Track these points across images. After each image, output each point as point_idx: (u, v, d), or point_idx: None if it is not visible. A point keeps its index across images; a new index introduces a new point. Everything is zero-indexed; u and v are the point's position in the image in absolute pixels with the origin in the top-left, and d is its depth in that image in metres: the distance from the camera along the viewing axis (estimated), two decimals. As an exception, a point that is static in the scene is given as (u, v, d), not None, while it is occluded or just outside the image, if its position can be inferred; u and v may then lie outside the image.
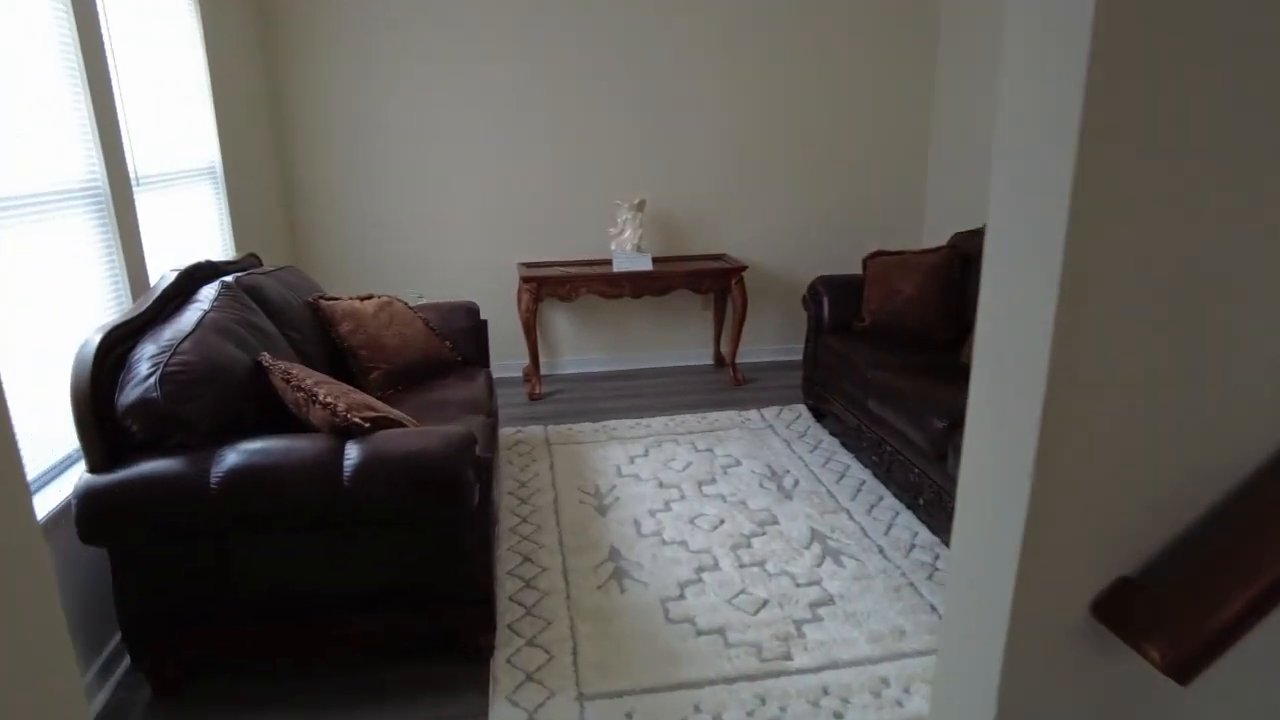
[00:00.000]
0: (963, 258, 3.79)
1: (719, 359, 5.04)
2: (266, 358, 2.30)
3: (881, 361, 3.44)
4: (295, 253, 4.52)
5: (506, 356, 4.85)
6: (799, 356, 5.12)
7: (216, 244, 3.50)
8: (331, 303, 3.11)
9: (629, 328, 4.98)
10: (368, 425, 2.09)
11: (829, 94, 4.78)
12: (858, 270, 4.98)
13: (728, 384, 4.70)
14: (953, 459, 2.79)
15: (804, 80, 4.73)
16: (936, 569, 2.79)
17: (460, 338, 3.46)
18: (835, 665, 2.30)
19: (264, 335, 2.51)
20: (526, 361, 4.80)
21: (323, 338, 3.03)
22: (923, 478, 3.04)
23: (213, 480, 1.93)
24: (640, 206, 4.47)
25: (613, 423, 4.04)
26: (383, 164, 4.48)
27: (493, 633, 2.35)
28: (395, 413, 2.31)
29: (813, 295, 4.04)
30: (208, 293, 2.51)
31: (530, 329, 4.37)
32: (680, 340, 5.06)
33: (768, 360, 5.17)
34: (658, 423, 4.02)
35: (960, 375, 3.29)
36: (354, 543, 2.10)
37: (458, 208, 4.61)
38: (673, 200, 4.79)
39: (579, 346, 4.96)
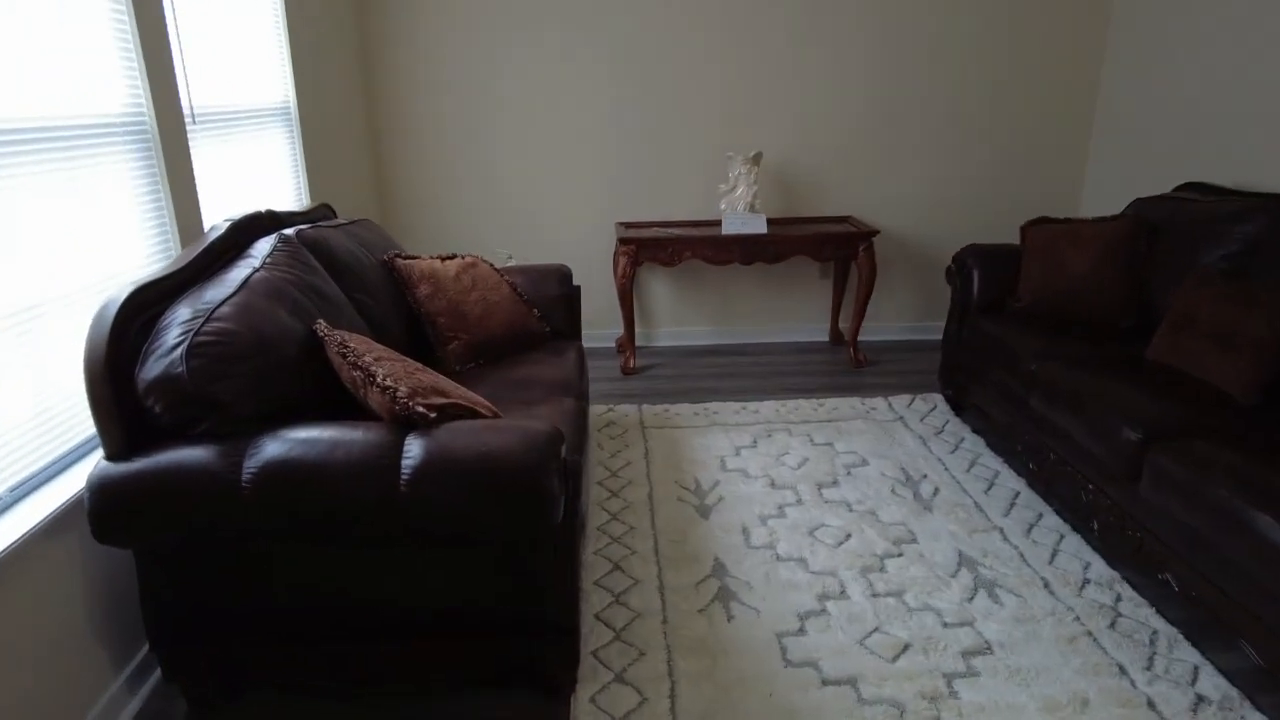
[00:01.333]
0: (1150, 229, 3.13)
1: (836, 336, 4.50)
2: (323, 326, 1.94)
3: (1049, 351, 2.85)
4: (379, 206, 4.21)
5: (600, 326, 4.45)
6: (929, 337, 4.56)
7: (289, 193, 3.19)
8: (409, 262, 2.75)
9: (736, 298, 4.48)
10: (434, 415, 1.70)
11: (979, 32, 4.10)
12: (1010, 239, 4.37)
13: (847, 365, 4.16)
14: (1148, 481, 2.22)
15: (956, 26, 4.06)
16: (1119, 614, 2.24)
17: (550, 306, 3.06)
18: (1004, 744, 1.81)
19: (325, 299, 2.16)
20: (621, 331, 4.38)
21: (398, 302, 2.67)
22: (1099, 497, 2.47)
23: (245, 477, 1.58)
24: (756, 160, 3.94)
25: (715, 405, 3.58)
26: (474, 114, 4.08)
27: (575, 666, 1.96)
28: (470, 396, 1.92)
29: (960, 267, 3.44)
30: (262, 247, 2.17)
31: (626, 296, 3.94)
32: (793, 313, 4.54)
33: (893, 339, 4.59)
34: (767, 408, 3.54)
35: (1152, 374, 2.64)
36: (414, 556, 1.73)
37: (553, 162, 4.18)
38: (794, 154, 4.24)
39: (679, 317, 4.50)
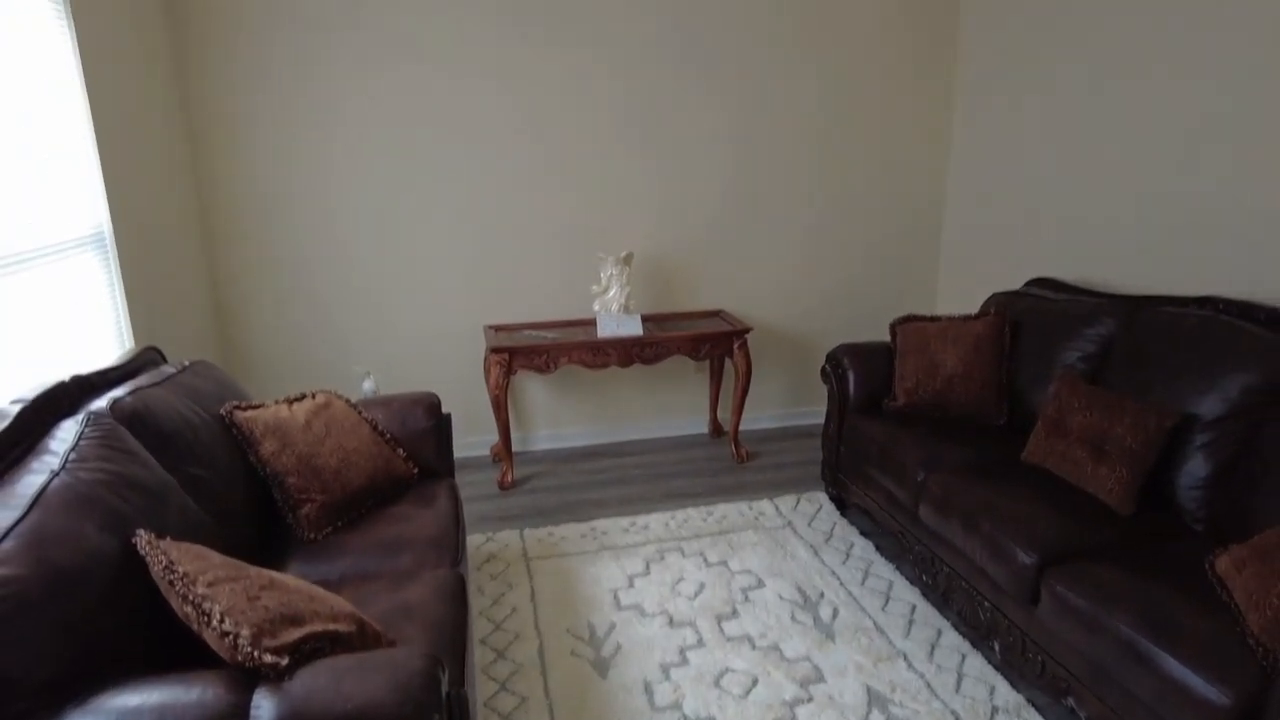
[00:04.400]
0: (1012, 325, 3.24)
1: (716, 427, 4.43)
2: (144, 539, 1.62)
3: (933, 458, 2.86)
4: (218, 334, 3.79)
5: (473, 432, 4.18)
6: (805, 423, 4.58)
7: (107, 336, 2.78)
8: (251, 414, 2.42)
9: (614, 396, 4.34)
10: (285, 663, 1.42)
11: (837, 137, 4.22)
12: (874, 329, 4.48)
13: (729, 461, 4.09)
14: (1047, 606, 2.22)
15: (811, 122, 4.16)
16: (1031, 745, 2.20)
17: (418, 441, 2.79)
18: None
19: (147, 493, 1.82)
20: (495, 439, 4.14)
21: (240, 463, 2.34)
22: (997, 616, 2.46)
23: (37, 781, 1.25)
24: (627, 260, 3.85)
25: (603, 523, 3.39)
26: (321, 221, 3.78)
27: None
28: (330, 607, 1.64)
29: (834, 367, 3.45)
30: (66, 435, 1.82)
31: (501, 406, 3.71)
32: (671, 407, 4.44)
33: (771, 427, 4.58)
34: (656, 523, 3.39)
35: (1035, 483, 2.60)
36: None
37: (414, 265, 3.93)
38: (663, 250, 4.18)
39: (556, 418, 4.30)
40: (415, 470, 2.72)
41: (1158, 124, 3.09)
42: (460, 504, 2.67)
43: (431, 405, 2.86)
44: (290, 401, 2.57)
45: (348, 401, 2.72)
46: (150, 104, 3.21)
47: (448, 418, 2.91)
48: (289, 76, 3.58)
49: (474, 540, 3.29)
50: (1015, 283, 3.89)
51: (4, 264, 2.23)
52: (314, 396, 2.66)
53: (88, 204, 2.71)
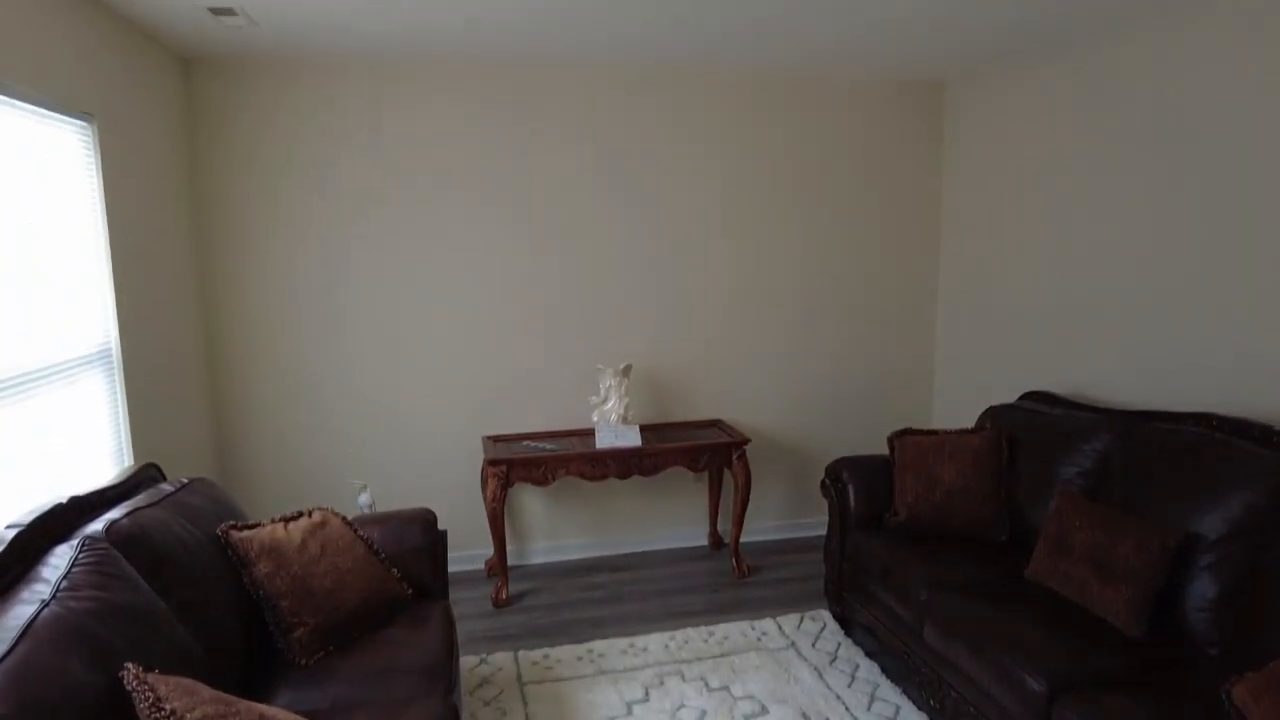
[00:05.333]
0: (1009, 440, 3.25)
1: (716, 540, 4.38)
2: (132, 673, 1.57)
3: (937, 577, 2.82)
4: (216, 449, 3.80)
5: (467, 546, 4.12)
6: (806, 535, 4.53)
7: (106, 453, 2.78)
8: (247, 534, 2.40)
9: (612, 508, 4.30)
10: (270, 811, 1.37)
11: (832, 253, 4.35)
12: (872, 440, 4.49)
13: (730, 576, 4.01)
14: (1061, 736, 2.14)
15: (806, 240, 4.30)
16: None
17: (412, 559, 2.76)
18: None
19: (138, 621, 1.78)
20: (491, 553, 4.08)
21: (233, 585, 2.30)
22: (1011, 746, 2.37)
23: None
24: (626, 372, 3.89)
25: (600, 645, 3.30)
26: (321, 335, 3.84)
27: None
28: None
29: (834, 481, 3.44)
30: (59, 561, 1.80)
31: (497, 520, 3.67)
32: (670, 519, 4.39)
33: (772, 539, 4.52)
34: (656, 644, 3.30)
35: (1040, 603, 2.56)
36: None
37: (414, 376, 3.97)
38: (662, 360, 4.23)
39: (553, 531, 4.25)
40: (409, 591, 2.67)
41: (1137, 243, 3.20)
42: (454, 628, 2.60)
43: (427, 522, 2.83)
44: (287, 520, 2.55)
45: (344, 519, 2.70)
46: (164, 224, 3.31)
47: (443, 535, 2.88)
48: (297, 200, 3.72)
49: (467, 662, 3.19)
50: (1010, 395, 3.93)
51: (16, 383, 2.25)
52: (310, 514, 2.64)
53: (98, 320, 2.77)
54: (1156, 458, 2.69)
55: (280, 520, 2.55)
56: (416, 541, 2.78)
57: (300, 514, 2.63)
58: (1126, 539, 2.47)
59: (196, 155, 3.61)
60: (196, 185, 3.63)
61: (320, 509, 2.70)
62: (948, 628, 2.62)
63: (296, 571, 2.39)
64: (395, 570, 2.67)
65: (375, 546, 2.68)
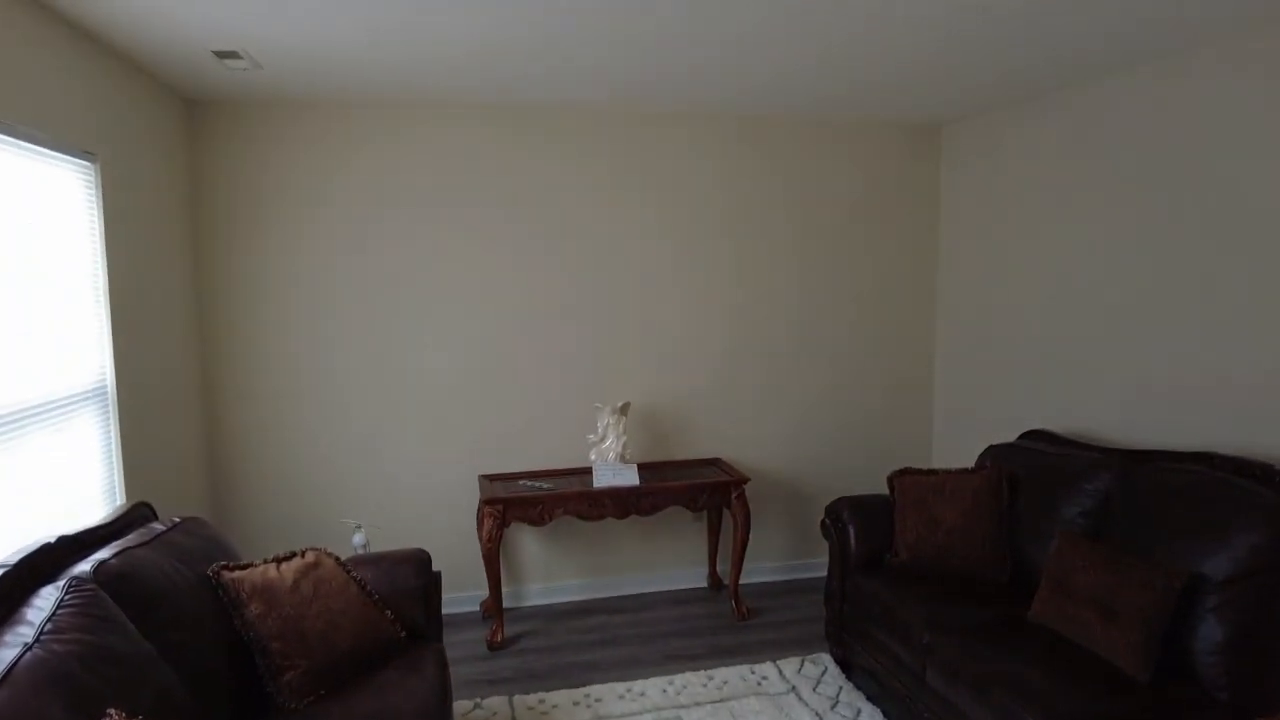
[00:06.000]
0: (1009, 480, 3.23)
1: (715, 580, 4.32)
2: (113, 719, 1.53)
3: (939, 618, 2.77)
4: (211, 488, 3.77)
5: (462, 587, 4.07)
6: (807, 576, 4.48)
7: (97, 492, 2.75)
8: (239, 575, 2.36)
9: (609, 548, 4.25)
10: None
11: (829, 291, 4.37)
12: (871, 479, 4.46)
13: (730, 619, 3.95)
14: (1069, 785, 2.08)
15: (803, 278, 4.32)
16: None
17: (406, 600, 2.71)
18: None
19: (122, 665, 1.75)
20: (486, 594, 4.02)
21: (222, 626, 2.26)
22: (1018, 795, 2.30)
23: None
24: (624, 410, 3.88)
25: (597, 689, 3.23)
26: (318, 371, 3.84)
27: None
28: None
29: (835, 521, 3.40)
30: (44, 603, 1.77)
31: (493, 561, 3.62)
32: (669, 559, 4.34)
33: (771, 580, 4.46)
34: (653, 689, 3.23)
35: (1044, 645, 2.51)
36: None
37: (411, 415, 3.95)
38: (660, 398, 4.22)
39: (550, 571, 4.20)
40: (403, 633, 2.62)
41: (1133, 280, 3.21)
42: (448, 671, 2.55)
43: (421, 563, 2.80)
44: (279, 561, 2.52)
45: (337, 560, 2.66)
46: (163, 262, 3.32)
47: (437, 576, 2.84)
48: (293, 238, 3.74)
49: (461, 706, 3.13)
50: (1009, 433, 3.92)
51: (11, 420, 2.24)
52: (303, 555, 2.61)
53: (93, 357, 2.76)
54: (1158, 497, 2.67)
55: (273, 561, 2.51)
56: (410, 583, 2.74)
57: (293, 554, 2.59)
58: (1130, 580, 2.44)
59: (198, 194, 3.64)
60: (197, 224, 3.65)
61: (313, 549, 2.66)
62: (950, 671, 2.57)
63: (288, 613, 2.35)
64: (388, 612, 2.62)
65: (368, 588, 2.64)
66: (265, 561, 2.49)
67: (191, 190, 3.62)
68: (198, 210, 3.65)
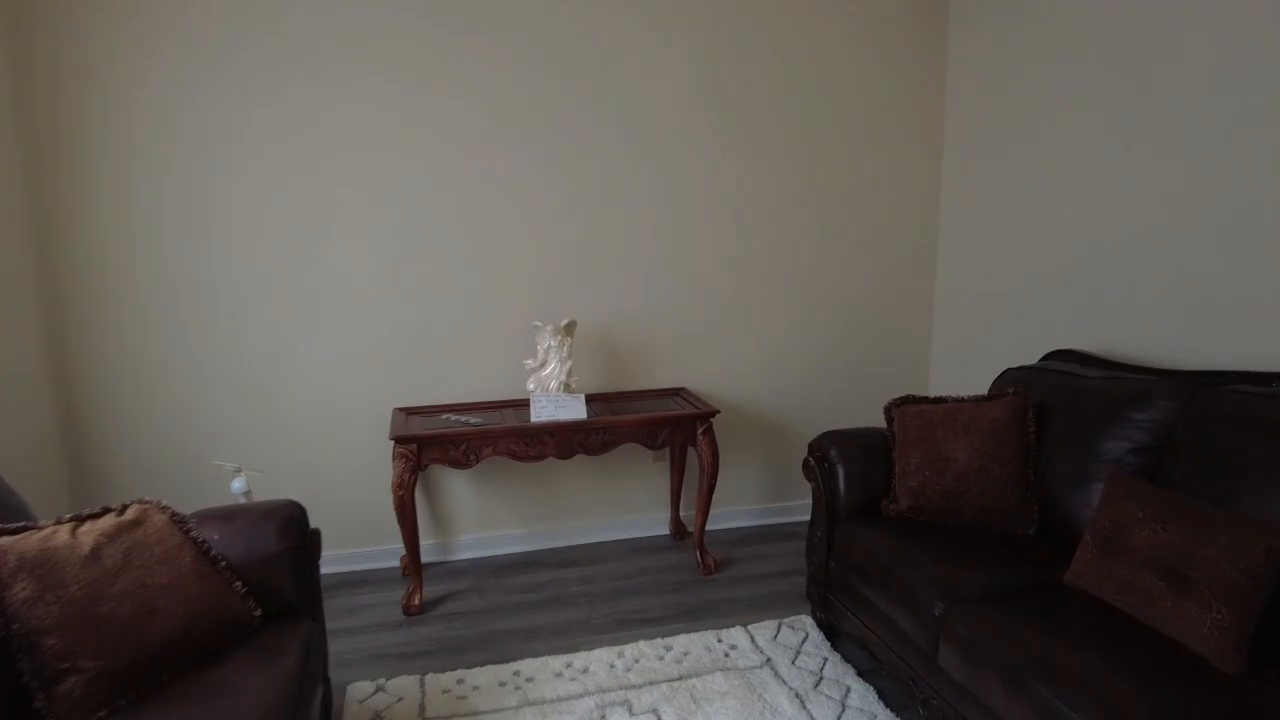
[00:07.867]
0: (1037, 410, 2.62)
1: (679, 528, 3.73)
2: None
3: (955, 584, 2.19)
4: (61, 437, 3.06)
5: (381, 539, 3.45)
6: (783, 520, 3.93)
7: None
8: (2, 542, 1.70)
9: (557, 491, 3.64)
10: None
11: (818, 192, 3.68)
12: (861, 411, 3.83)
13: (694, 572, 3.37)
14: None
15: (789, 176, 3.62)
16: None
17: (267, 569, 2.07)
18: None
19: None
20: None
21: (-27, 615, 1.61)
22: (1060, 815, 1.75)
23: None
24: (569, 330, 3.21)
25: (529, 665, 2.64)
26: (202, 288, 3.11)
27: None
28: None
29: (819, 460, 2.80)
30: None
31: (407, 511, 2.98)
32: (626, 504, 3.74)
33: (743, 526, 3.88)
34: (599, 663, 2.65)
35: (1093, 621, 1.82)
36: None
37: (313, 338, 3.25)
38: (613, 318, 3.55)
39: (487, 518, 3.58)
40: (257, 611, 1.99)
41: (1176, 166, 2.55)
42: (316, 658, 1.94)
43: (288, 519, 2.14)
44: (78, 520, 1.86)
45: (172, 516, 2.01)
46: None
47: (314, 535, 2.20)
48: (155, 130, 2.96)
49: (359, 690, 2.53)
50: (1021, 357, 3.30)
51: None
52: (123, 510, 1.96)
53: None
54: (1240, 429, 2.07)
55: (69, 520, 1.85)
56: (271, 545, 2.09)
57: (106, 510, 1.94)
58: (1213, 540, 1.85)
59: (31, 74, 2.84)
60: (27, 114, 2.87)
61: (141, 502, 2.01)
62: (971, 651, 2.00)
63: (75, 594, 1.69)
64: (239, 583, 1.99)
65: (213, 552, 2.00)
66: (57, 523, 1.84)
67: (12, 72, 2.83)
68: (30, 92, 2.86)
